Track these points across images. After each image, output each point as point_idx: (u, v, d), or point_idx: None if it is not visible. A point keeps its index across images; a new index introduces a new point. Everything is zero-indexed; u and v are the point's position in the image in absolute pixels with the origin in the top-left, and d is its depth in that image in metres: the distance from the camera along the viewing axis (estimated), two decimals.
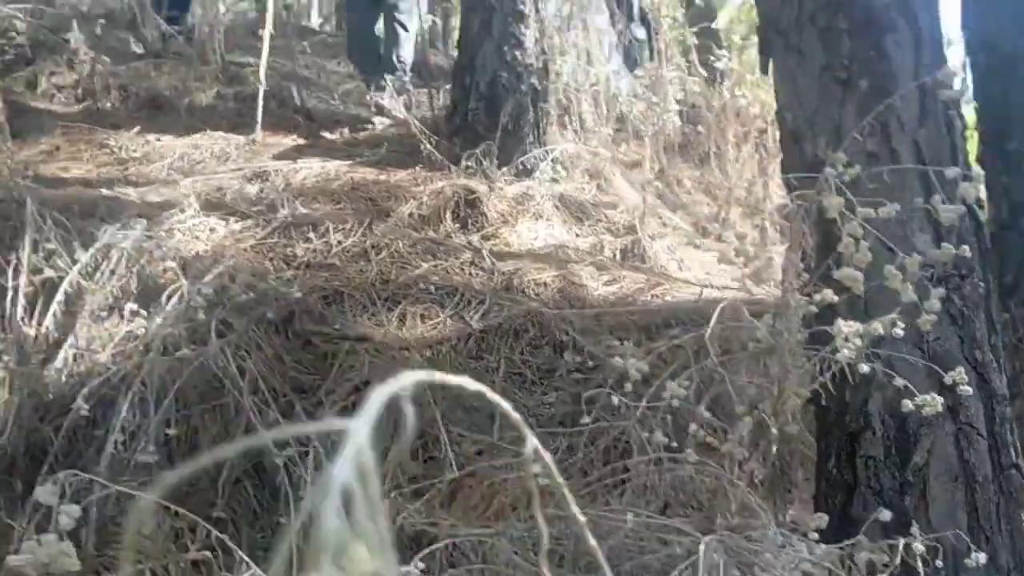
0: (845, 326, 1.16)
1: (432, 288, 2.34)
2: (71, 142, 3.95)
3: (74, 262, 2.02)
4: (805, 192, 1.25)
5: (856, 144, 1.35)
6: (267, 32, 4.08)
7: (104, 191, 2.89)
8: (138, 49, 4.75)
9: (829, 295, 1.20)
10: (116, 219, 2.41)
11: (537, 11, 3.68)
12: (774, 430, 1.47)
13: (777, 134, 3.39)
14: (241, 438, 1.86)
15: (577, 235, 3.18)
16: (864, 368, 1.20)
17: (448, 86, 4.58)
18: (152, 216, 2.41)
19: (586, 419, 1.66)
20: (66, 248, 2.09)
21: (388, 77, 4.10)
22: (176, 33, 4.88)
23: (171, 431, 1.85)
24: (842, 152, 1.23)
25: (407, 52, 4.38)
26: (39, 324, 1.94)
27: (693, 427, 1.43)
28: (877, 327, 1.15)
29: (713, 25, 5.35)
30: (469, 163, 3.41)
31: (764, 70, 1.61)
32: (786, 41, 1.45)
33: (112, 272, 2.05)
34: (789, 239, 1.29)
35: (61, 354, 1.92)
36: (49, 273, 2.00)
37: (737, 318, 1.77)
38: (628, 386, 1.82)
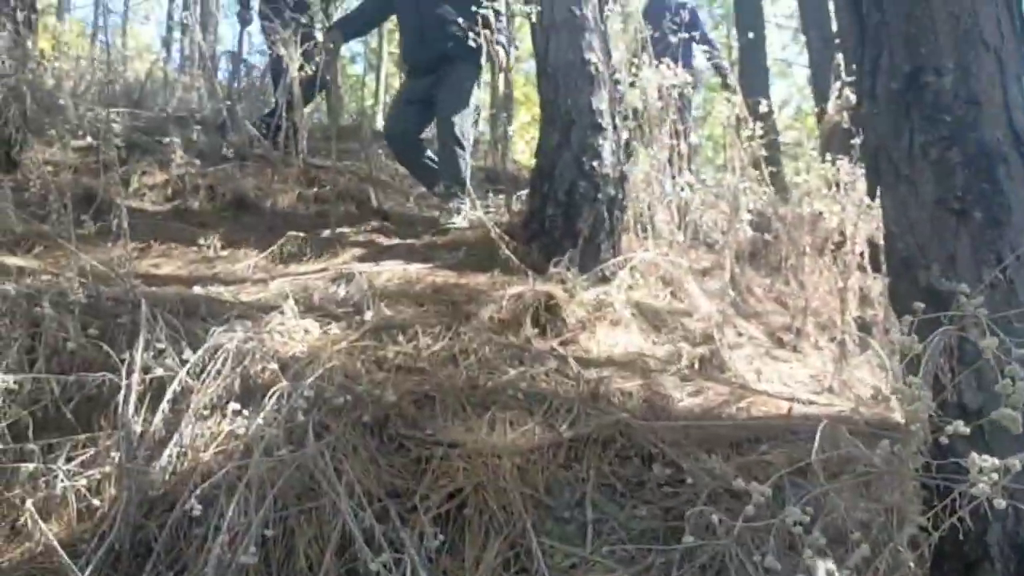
0: (981, 460, 1.16)
1: (520, 395, 2.36)
2: (161, 240, 4.12)
3: (182, 362, 2.10)
4: (947, 330, 1.26)
5: (971, 273, 1.37)
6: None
7: (199, 289, 3.00)
8: (226, 151, 4.98)
9: (961, 427, 1.21)
10: (217, 318, 2.50)
11: (614, 125, 3.81)
12: (888, 557, 1.45)
13: (857, 248, 3.43)
14: (336, 542, 1.88)
15: (655, 343, 3.21)
16: (1001, 503, 1.18)
17: (520, 191, 4.73)
18: (252, 316, 2.50)
19: (688, 538, 1.65)
20: (174, 347, 2.17)
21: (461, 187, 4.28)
22: (262, 136, 5.13)
23: (268, 532, 1.87)
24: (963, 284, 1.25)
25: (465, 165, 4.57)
26: (147, 422, 2.00)
27: (808, 553, 1.41)
28: (1015, 463, 1.15)
29: (779, 138, 5.46)
30: (548, 269, 3.48)
31: (872, 195, 1.64)
32: (897, 171, 1.50)
33: (217, 372, 2.12)
34: (917, 367, 1.30)
35: (166, 452, 1.97)
36: (159, 372, 2.07)
37: (835, 438, 1.77)
38: (727, 503, 1.82)
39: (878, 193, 1.58)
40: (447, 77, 4.55)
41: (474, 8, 4.22)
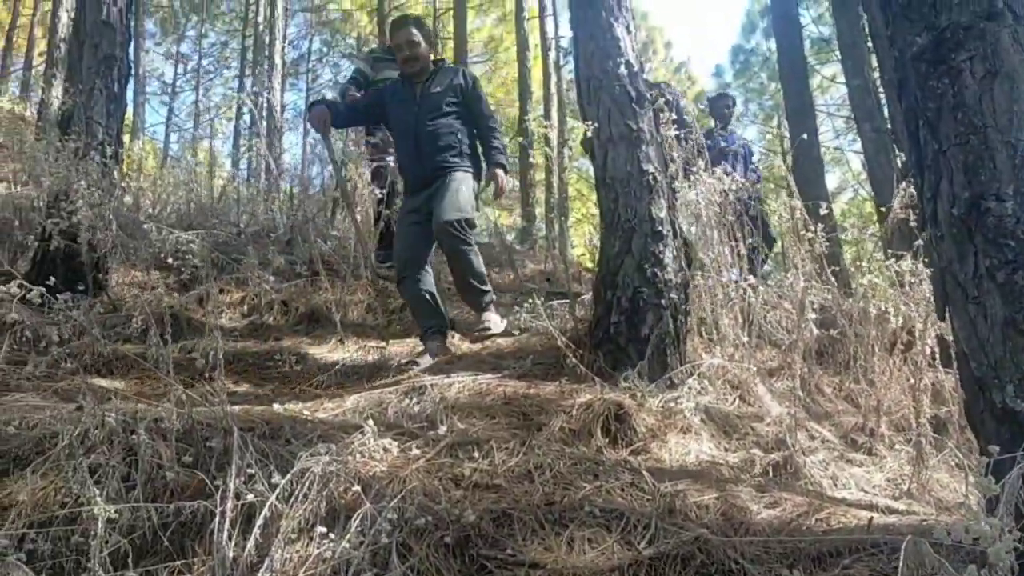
0: None
1: (597, 511, 2.38)
2: (238, 356, 4.27)
3: (271, 486, 2.18)
4: None
5: None
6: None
7: (279, 407, 3.11)
8: (299, 268, 5.18)
9: None
10: (300, 439, 2.59)
11: (674, 232, 3.89)
12: None
13: (927, 346, 3.41)
14: None
15: (726, 449, 3.21)
16: None
17: (581, 294, 4.81)
18: (333, 437, 2.58)
19: None
20: (263, 471, 2.25)
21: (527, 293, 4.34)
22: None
23: None
24: None
25: None
26: (240, 547, 2.07)
27: None
28: None
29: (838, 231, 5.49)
30: (614, 375, 3.53)
31: (941, 317, 1.67)
32: (965, 293, 1.54)
33: (304, 496, 2.19)
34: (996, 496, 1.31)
35: None
36: (250, 497, 2.15)
37: (919, 554, 1.75)
38: None
39: (947, 313, 1.61)
40: (443, 186, 4.27)
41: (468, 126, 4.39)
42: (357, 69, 5.91)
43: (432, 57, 4.62)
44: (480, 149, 4.54)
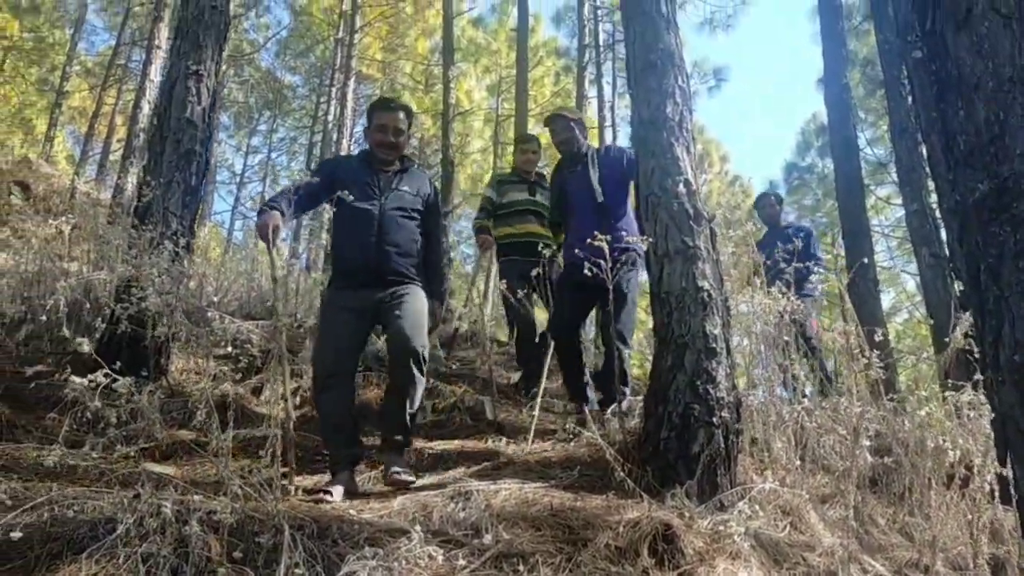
0: None
1: None
2: (289, 448, 4.31)
3: None
4: None
5: None
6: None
7: (328, 507, 3.14)
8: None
9: None
10: (348, 540, 2.61)
11: (728, 349, 3.89)
12: None
13: (985, 486, 3.32)
14: None
15: None
16: None
17: (628, 397, 4.80)
18: (380, 540, 2.59)
19: None
20: (310, 571, 2.27)
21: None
22: (382, 349, 5.41)
23: None
24: None
25: None
26: None
27: None
28: None
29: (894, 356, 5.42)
30: (663, 492, 3.49)
31: (1003, 463, 1.66)
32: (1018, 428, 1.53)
33: None
34: None
35: None
36: None
37: None
38: None
39: (1008, 460, 1.60)
40: (405, 302, 3.97)
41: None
42: (486, 197, 6.35)
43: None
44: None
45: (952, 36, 1.81)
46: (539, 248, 5.62)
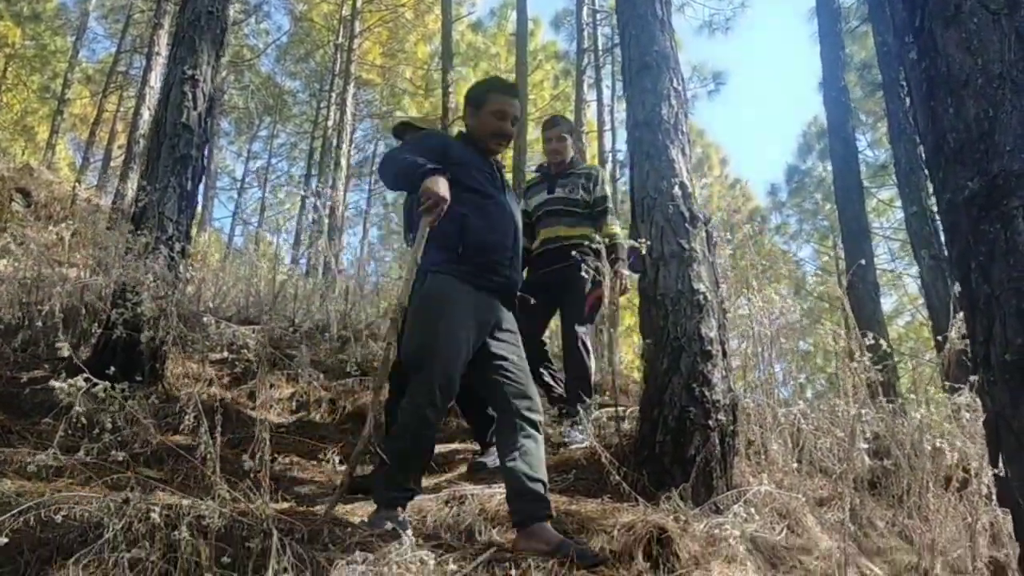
0: None
1: None
2: (283, 451, 4.30)
3: None
4: None
5: None
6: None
7: (320, 509, 3.11)
8: (349, 368, 5.25)
9: None
10: (338, 545, 2.58)
11: (724, 352, 3.87)
12: None
13: (983, 489, 3.30)
14: None
15: None
16: None
17: (628, 406, 4.77)
18: (371, 545, 2.57)
19: None
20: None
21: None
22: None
23: None
24: None
25: None
26: None
27: None
28: None
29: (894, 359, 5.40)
30: (658, 495, 3.47)
31: (994, 463, 1.64)
32: (1019, 441, 1.51)
33: None
34: None
35: None
36: None
37: None
38: None
39: (1000, 460, 1.58)
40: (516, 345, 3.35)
41: None
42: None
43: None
44: None
45: (941, 32, 1.80)
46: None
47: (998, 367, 1.58)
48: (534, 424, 3.10)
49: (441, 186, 2.95)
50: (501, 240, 3.26)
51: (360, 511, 3.29)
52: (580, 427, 4.39)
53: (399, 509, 3.01)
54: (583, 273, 4.36)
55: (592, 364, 4.83)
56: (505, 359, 3.17)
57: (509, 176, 7.57)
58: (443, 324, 3.06)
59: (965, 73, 1.74)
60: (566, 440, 4.43)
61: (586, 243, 4.62)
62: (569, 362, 4.85)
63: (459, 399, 4.33)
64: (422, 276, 3.15)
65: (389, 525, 2.79)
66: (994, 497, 3.42)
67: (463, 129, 3.57)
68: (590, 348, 4.84)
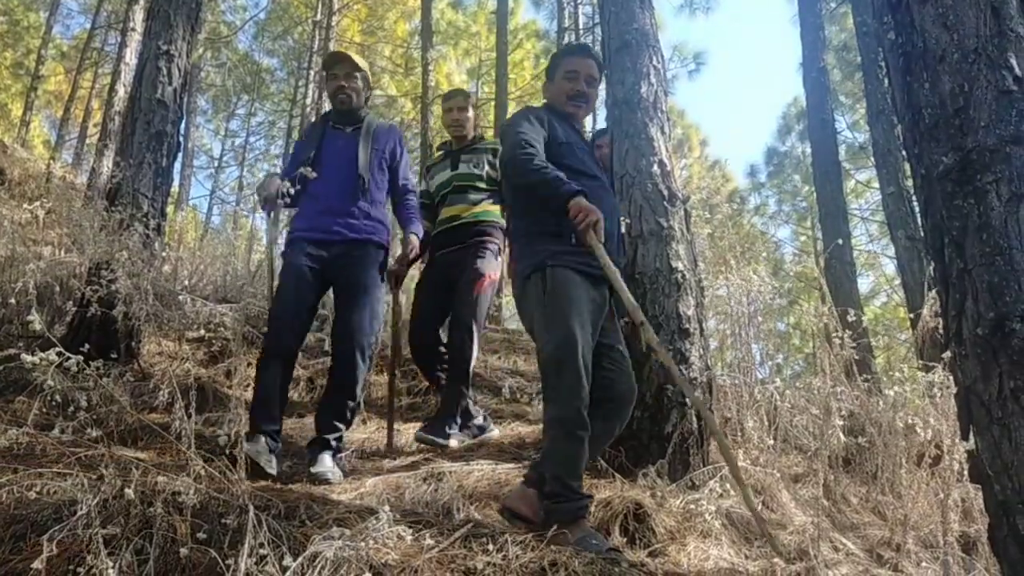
0: None
1: None
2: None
3: (283, 568, 2.16)
4: None
5: None
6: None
7: (297, 487, 3.11)
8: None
9: None
10: (316, 521, 2.58)
11: (701, 330, 3.89)
12: None
13: (955, 465, 3.34)
14: None
15: (747, 557, 3.13)
16: None
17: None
18: (348, 521, 2.57)
19: None
20: (275, 552, 2.24)
21: None
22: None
23: None
24: None
25: None
26: None
27: None
28: None
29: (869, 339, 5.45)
30: (635, 472, 3.49)
31: (965, 436, 1.66)
32: (989, 414, 1.52)
33: None
34: None
35: None
36: None
37: None
38: None
39: (971, 433, 1.60)
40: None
41: None
42: None
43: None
44: None
45: (918, 8, 1.80)
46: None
47: (969, 341, 1.60)
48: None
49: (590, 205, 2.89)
50: (609, 229, 3.12)
51: (337, 490, 3.28)
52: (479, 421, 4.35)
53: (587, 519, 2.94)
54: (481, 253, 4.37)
55: (473, 353, 4.35)
56: (612, 348, 3.15)
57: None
58: (565, 306, 2.95)
59: (941, 48, 1.74)
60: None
61: (487, 220, 4.57)
62: (447, 348, 4.46)
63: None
64: (538, 268, 3.04)
65: (594, 540, 2.76)
66: (965, 473, 3.47)
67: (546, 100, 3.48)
68: (475, 335, 4.34)
